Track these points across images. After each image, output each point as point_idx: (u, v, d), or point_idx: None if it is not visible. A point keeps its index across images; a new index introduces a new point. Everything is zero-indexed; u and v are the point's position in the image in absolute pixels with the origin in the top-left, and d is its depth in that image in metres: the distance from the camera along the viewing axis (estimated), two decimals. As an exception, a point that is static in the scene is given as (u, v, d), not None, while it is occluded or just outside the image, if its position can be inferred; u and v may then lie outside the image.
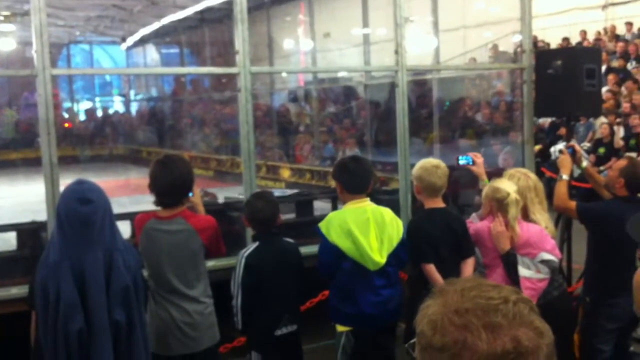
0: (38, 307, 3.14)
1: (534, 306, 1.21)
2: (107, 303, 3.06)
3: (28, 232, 5.55)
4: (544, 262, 4.07)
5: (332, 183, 8.67)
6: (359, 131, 11.50)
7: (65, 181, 5.12)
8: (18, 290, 5.08)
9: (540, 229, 4.15)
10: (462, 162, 4.70)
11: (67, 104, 18.63)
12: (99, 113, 19.12)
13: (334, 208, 6.68)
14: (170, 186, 3.85)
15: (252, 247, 4.11)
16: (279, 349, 4.09)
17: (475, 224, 4.36)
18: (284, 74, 15.28)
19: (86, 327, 3.02)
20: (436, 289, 1.27)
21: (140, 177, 11.94)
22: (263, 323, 4.06)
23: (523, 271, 4.05)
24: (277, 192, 6.97)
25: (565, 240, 5.76)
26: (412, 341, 1.26)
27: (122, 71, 20.28)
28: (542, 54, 6.53)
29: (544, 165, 10.27)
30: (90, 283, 3.05)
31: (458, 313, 1.18)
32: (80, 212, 3.08)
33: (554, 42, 16.30)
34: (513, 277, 4.00)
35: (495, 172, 4.86)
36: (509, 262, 4.03)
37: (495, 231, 4.05)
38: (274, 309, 4.06)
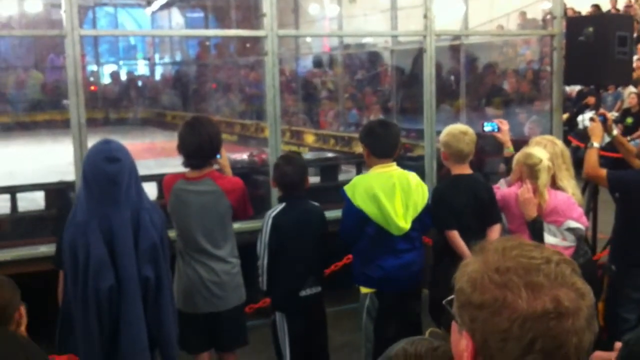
0: (66, 266, 3.19)
1: (576, 267, 1.20)
2: (136, 260, 3.10)
3: (56, 192, 5.62)
4: (570, 229, 4.06)
5: (357, 149, 8.67)
6: (384, 97, 11.43)
7: (92, 143, 5.19)
8: (46, 249, 5.16)
9: (567, 196, 4.12)
10: (487, 128, 4.66)
11: (92, 67, 18.68)
12: (124, 76, 19.16)
13: (359, 174, 6.67)
14: (198, 147, 3.87)
15: (278, 208, 4.12)
16: (302, 310, 4.13)
17: (502, 189, 4.34)
18: (309, 39, 15.18)
19: (116, 284, 3.07)
20: (476, 248, 1.26)
21: (165, 140, 12.02)
22: (288, 284, 4.09)
23: (549, 238, 4.04)
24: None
25: (591, 209, 5.72)
26: (449, 298, 1.26)
27: (149, 33, 20.24)
28: (573, 21, 6.42)
29: (571, 134, 10.16)
30: (118, 241, 3.09)
31: (499, 271, 1.17)
32: (108, 170, 3.11)
33: (583, 10, 16.00)
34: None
35: (521, 141, 4.81)
36: (535, 229, 4.01)
37: (522, 197, 4.02)
38: (299, 270, 4.08)
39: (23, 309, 2.83)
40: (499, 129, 4.63)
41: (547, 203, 4.02)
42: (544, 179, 4.00)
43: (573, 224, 4.06)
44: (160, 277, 3.20)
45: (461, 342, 1.21)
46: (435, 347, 1.52)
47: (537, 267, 1.17)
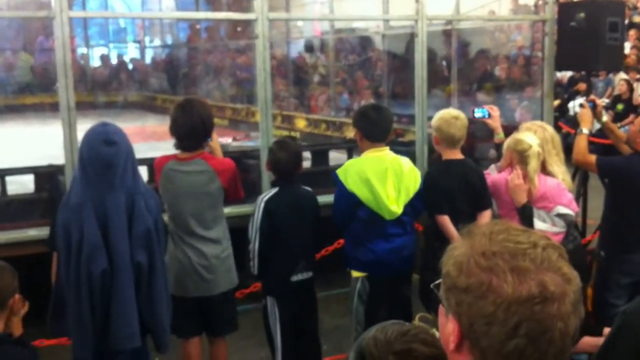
0: (60, 249, 3.18)
1: (563, 252, 1.20)
2: (130, 245, 3.09)
3: (45, 175, 5.59)
4: (560, 215, 4.07)
5: (348, 134, 8.66)
6: (375, 82, 11.40)
7: (81, 126, 5.15)
8: (36, 232, 5.14)
9: (557, 182, 4.13)
10: (477, 114, 4.65)
11: (82, 50, 18.52)
12: (114, 59, 19.02)
13: (350, 158, 6.67)
14: (191, 129, 3.86)
15: (271, 192, 4.12)
16: (294, 295, 4.13)
17: (492, 175, 4.34)
18: (300, 23, 15.10)
19: (109, 268, 3.06)
20: (464, 232, 1.26)
21: (156, 123, 11.95)
22: (279, 268, 4.09)
23: (539, 224, 4.04)
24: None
25: (581, 195, 5.74)
26: (437, 281, 1.26)
27: (139, 15, 20.09)
28: (565, 6, 6.40)
29: (562, 120, 10.17)
30: (112, 225, 3.08)
31: (485, 255, 1.17)
32: (104, 153, 3.10)
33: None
34: None
35: (512, 127, 4.81)
36: (525, 215, 4.02)
37: (512, 184, 4.03)
38: (291, 255, 4.08)
39: (19, 298, 2.81)
40: (489, 115, 4.62)
41: (536, 189, 4.03)
42: (533, 165, 4.00)
43: (563, 209, 4.07)
44: (153, 262, 3.19)
45: (448, 326, 1.22)
46: (404, 332, 1.54)
47: (524, 251, 1.17)
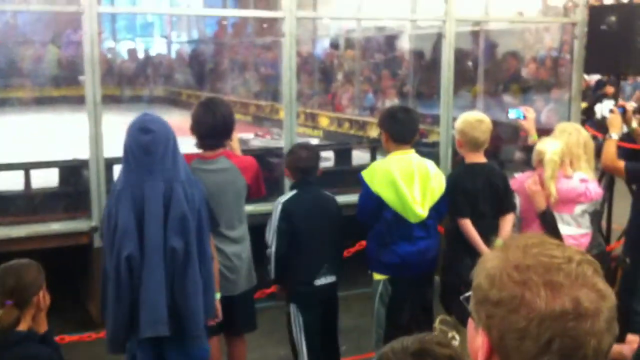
0: (104, 235, 3.27)
1: (598, 268, 1.17)
2: (164, 230, 3.11)
3: (70, 170, 5.64)
4: (583, 212, 4.04)
5: (372, 133, 8.61)
6: (401, 81, 11.33)
7: (107, 119, 5.17)
8: (59, 227, 5.19)
9: (573, 181, 4.07)
10: (512, 115, 4.59)
11: (109, 44, 18.63)
12: (141, 54, 19.11)
13: (373, 158, 6.64)
14: (212, 128, 3.86)
15: (289, 194, 4.11)
16: (317, 300, 4.11)
17: (516, 177, 4.31)
18: (326, 21, 15.08)
19: (139, 253, 3.08)
20: (499, 244, 1.24)
21: (180, 119, 11.98)
22: (301, 273, 4.06)
23: (564, 228, 4.02)
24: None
25: (606, 200, 5.67)
26: (467, 294, 1.24)
27: (167, 11, 20.21)
28: (596, 9, 6.33)
29: (588, 122, 10.04)
30: (147, 210, 3.12)
31: (518, 269, 1.15)
32: (141, 140, 3.18)
33: (607, -2, 15.77)
34: (550, 236, 3.93)
35: (539, 129, 4.75)
36: (546, 221, 3.98)
37: (530, 190, 4.00)
38: (312, 259, 4.05)
39: (45, 294, 2.84)
40: (524, 117, 4.57)
41: (558, 192, 3.99)
42: (548, 171, 3.97)
43: (583, 206, 4.04)
44: (189, 250, 3.18)
45: (477, 339, 1.20)
46: (420, 337, 1.52)
47: (558, 266, 1.14)
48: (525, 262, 1.15)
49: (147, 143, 3.17)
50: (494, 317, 1.15)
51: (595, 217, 4.29)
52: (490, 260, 1.20)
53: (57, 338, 3.37)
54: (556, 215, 4.00)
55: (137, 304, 3.12)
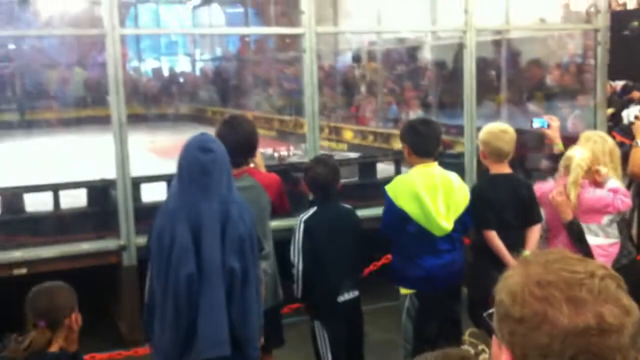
0: (153, 254, 3.20)
1: (622, 283, 1.16)
2: (222, 250, 3.09)
3: (97, 190, 5.69)
4: (611, 221, 3.99)
5: (396, 145, 8.60)
6: (423, 92, 11.32)
7: (132, 138, 5.23)
8: (88, 246, 5.25)
9: (600, 192, 4.02)
10: (536, 125, 4.56)
11: (134, 63, 18.87)
12: (165, 72, 19.32)
13: (397, 171, 6.62)
14: (237, 146, 3.88)
15: (310, 212, 4.10)
16: (341, 316, 4.10)
17: (541, 186, 4.27)
18: (347, 34, 15.12)
19: (197, 272, 3.04)
20: (519, 260, 1.23)
21: (205, 136, 12.04)
22: (324, 290, 4.05)
23: (591, 239, 3.96)
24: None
25: (636, 208, 5.60)
26: (490, 311, 1.23)
27: (188, 31, 20.44)
28: (618, 15, 6.29)
29: (615, 129, 9.93)
30: (204, 230, 3.09)
31: (540, 285, 1.14)
32: (201, 159, 3.16)
33: (630, 4, 15.62)
34: (577, 246, 3.90)
35: (564, 137, 4.72)
36: (573, 231, 3.94)
37: (555, 201, 3.96)
38: (334, 275, 4.04)
39: (77, 316, 2.88)
40: (548, 126, 4.54)
41: (583, 201, 3.94)
42: (572, 177, 3.93)
43: (610, 216, 3.99)
44: (247, 270, 3.15)
45: (501, 357, 1.19)
46: (443, 351, 1.53)
47: (580, 281, 1.13)
48: (547, 278, 1.15)
49: (207, 163, 3.15)
50: (516, 334, 1.15)
51: (623, 225, 4.24)
52: (512, 276, 1.20)
53: (87, 356, 3.40)
54: (583, 225, 3.96)
55: (194, 324, 3.07)
